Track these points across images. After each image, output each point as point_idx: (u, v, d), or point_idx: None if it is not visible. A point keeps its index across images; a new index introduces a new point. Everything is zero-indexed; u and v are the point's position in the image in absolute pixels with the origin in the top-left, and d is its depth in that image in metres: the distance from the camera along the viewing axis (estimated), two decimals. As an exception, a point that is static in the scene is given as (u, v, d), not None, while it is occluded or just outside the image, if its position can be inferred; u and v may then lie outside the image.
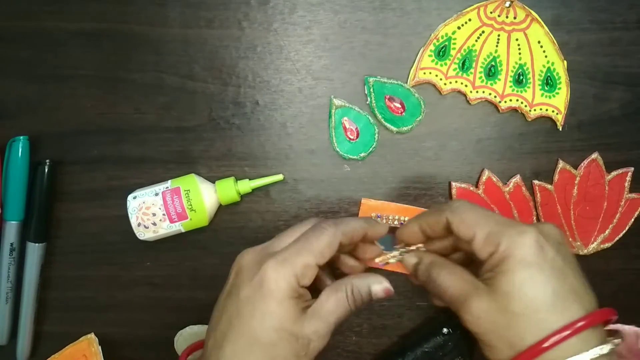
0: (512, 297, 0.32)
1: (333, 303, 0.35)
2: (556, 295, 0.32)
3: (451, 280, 0.36)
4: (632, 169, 0.47)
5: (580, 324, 0.31)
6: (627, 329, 0.38)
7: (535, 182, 0.47)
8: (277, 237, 0.38)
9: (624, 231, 0.48)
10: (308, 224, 0.38)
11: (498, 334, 0.33)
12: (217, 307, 0.37)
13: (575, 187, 0.47)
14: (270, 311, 0.33)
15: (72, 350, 0.46)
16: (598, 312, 0.33)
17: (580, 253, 0.48)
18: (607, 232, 0.47)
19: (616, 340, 0.33)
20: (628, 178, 0.47)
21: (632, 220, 0.47)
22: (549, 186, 0.47)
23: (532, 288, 0.32)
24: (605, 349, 0.31)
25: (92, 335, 0.46)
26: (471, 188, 0.47)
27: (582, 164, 0.47)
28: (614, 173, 0.47)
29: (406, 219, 0.46)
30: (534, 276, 0.32)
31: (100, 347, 0.46)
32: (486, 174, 0.46)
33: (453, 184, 0.47)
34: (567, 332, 0.31)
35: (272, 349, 0.33)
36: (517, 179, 0.47)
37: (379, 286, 0.36)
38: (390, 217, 0.46)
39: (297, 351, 0.34)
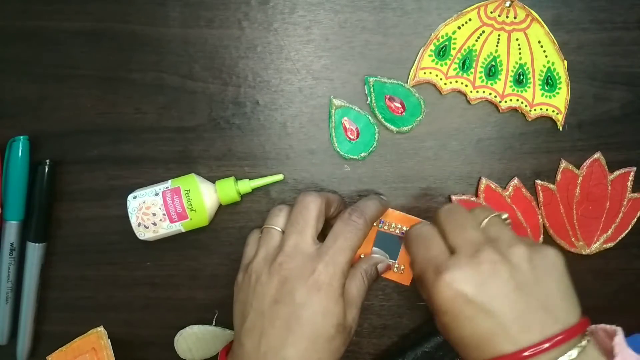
0: (444, 332, 0.36)
1: (356, 289, 0.40)
2: (473, 335, 0.34)
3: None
4: (635, 168, 0.47)
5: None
6: (594, 327, 0.38)
7: (538, 181, 0.47)
8: (292, 231, 0.40)
9: (627, 231, 0.47)
10: (313, 205, 0.40)
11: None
12: (257, 314, 0.38)
13: (578, 187, 0.47)
14: (329, 310, 0.37)
15: (80, 343, 0.46)
16: (524, 350, 0.33)
17: (583, 253, 0.47)
18: (609, 231, 0.47)
19: (582, 343, 0.33)
20: (630, 178, 0.47)
21: (635, 219, 0.47)
22: (551, 186, 0.47)
23: (451, 332, 0.35)
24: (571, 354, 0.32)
25: (101, 329, 0.46)
26: (472, 199, 0.46)
27: (584, 164, 0.47)
28: (616, 173, 0.47)
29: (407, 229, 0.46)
30: (449, 323, 0.35)
31: (109, 341, 0.46)
32: (484, 182, 0.46)
33: (453, 197, 0.46)
34: None
35: (332, 343, 0.37)
36: (515, 181, 0.46)
37: (382, 264, 0.45)
38: (392, 225, 0.46)
39: (346, 340, 0.39)
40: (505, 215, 0.40)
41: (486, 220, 0.38)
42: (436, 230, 0.39)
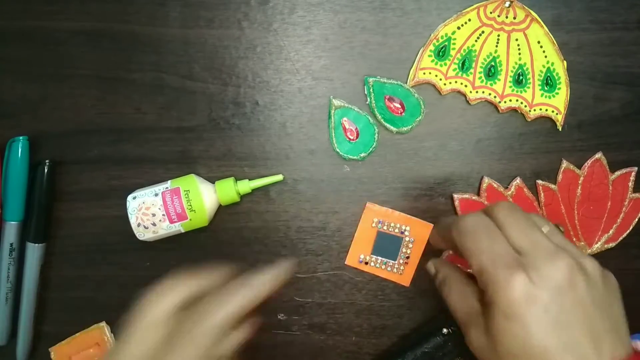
0: (497, 341, 0.32)
1: None
2: (541, 348, 0.30)
3: (458, 303, 0.37)
4: (636, 168, 0.47)
5: None
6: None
7: (539, 182, 0.47)
8: None
9: (628, 231, 0.47)
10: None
11: None
12: None
13: (579, 187, 0.47)
14: None
15: (83, 337, 0.46)
16: None
17: (584, 253, 0.47)
18: (611, 231, 0.47)
19: None
20: (632, 178, 0.47)
21: (636, 220, 0.47)
22: (552, 186, 0.47)
23: (513, 339, 0.31)
24: None
25: (103, 324, 0.46)
26: (474, 197, 0.46)
27: (586, 164, 0.47)
28: (617, 173, 0.47)
29: (408, 229, 0.46)
30: (515, 329, 0.31)
31: (112, 335, 0.46)
32: (486, 181, 0.46)
33: (455, 195, 0.46)
34: None
35: None
36: (517, 181, 0.46)
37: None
38: (392, 225, 0.46)
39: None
40: (562, 228, 0.40)
41: (548, 228, 0.35)
42: (494, 225, 0.35)
